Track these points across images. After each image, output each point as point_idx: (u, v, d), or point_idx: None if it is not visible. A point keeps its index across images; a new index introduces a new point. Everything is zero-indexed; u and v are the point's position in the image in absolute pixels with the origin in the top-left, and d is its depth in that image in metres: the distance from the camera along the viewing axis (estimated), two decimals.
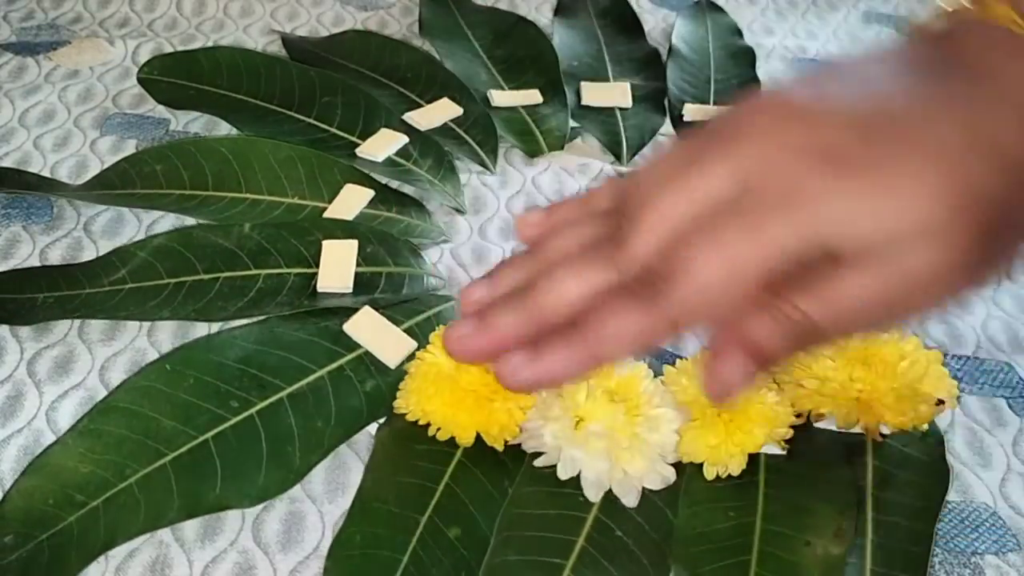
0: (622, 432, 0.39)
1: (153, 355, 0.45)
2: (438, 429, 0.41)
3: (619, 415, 0.40)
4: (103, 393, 0.43)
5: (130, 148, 0.59)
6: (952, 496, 0.42)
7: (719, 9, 0.76)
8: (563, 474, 0.40)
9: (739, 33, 0.73)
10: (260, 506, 0.40)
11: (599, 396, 0.40)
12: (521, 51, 0.68)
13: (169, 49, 0.68)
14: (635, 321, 0.31)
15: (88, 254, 0.51)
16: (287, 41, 0.69)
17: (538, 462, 0.41)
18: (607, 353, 0.32)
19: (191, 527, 0.39)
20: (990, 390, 0.47)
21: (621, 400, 0.40)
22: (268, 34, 0.71)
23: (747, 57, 0.71)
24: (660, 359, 0.48)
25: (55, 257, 0.50)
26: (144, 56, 0.67)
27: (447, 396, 0.41)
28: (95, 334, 0.46)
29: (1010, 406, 0.46)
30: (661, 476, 0.41)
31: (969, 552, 0.40)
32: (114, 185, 0.54)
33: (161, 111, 0.62)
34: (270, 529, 0.39)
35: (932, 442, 0.43)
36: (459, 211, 0.56)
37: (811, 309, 0.30)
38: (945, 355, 0.49)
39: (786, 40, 0.75)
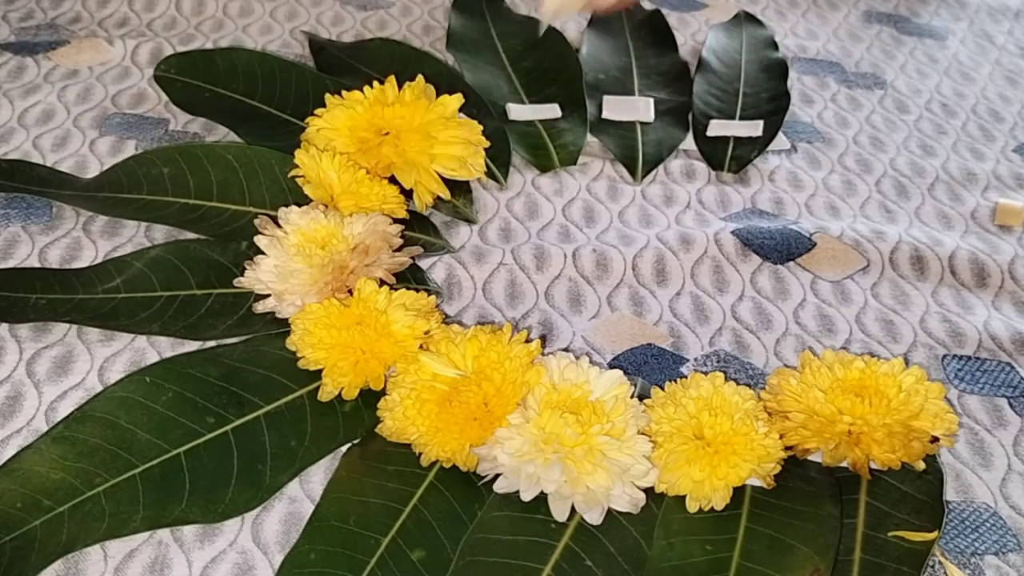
0: (575, 442, 0.38)
1: (152, 355, 0.45)
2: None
3: (571, 424, 0.38)
4: None
5: (129, 148, 0.58)
6: (952, 496, 0.42)
7: (757, 21, 0.74)
8: (525, 495, 0.39)
9: (774, 45, 0.71)
10: (259, 507, 0.40)
11: (550, 410, 0.39)
12: (547, 63, 0.67)
13: (169, 49, 0.67)
14: None
15: (87, 254, 0.51)
16: (313, 42, 0.68)
17: (498, 486, 0.39)
18: None
19: (191, 527, 0.39)
20: (991, 390, 0.47)
21: (573, 412, 0.39)
22: (267, 33, 0.71)
23: (779, 70, 0.69)
24: (661, 360, 0.48)
25: (54, 257, 0.50)
26: (143, 56, 0.67)
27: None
28: (94, 334, 0.46)
29: (1011, 406, 0.46)
30: (630, 498, 0.39)
31: (969, 552, 0.40)
32: (121, 185, 0.53)
33: (160, 111, 0.62)
34: (269, 529, 0.39)
35: (931, 480, 0.41)
36: (470, 221, 0.56)
37: None
38: (946, 355, 0.49)
39: (786, 39, 0.75)
